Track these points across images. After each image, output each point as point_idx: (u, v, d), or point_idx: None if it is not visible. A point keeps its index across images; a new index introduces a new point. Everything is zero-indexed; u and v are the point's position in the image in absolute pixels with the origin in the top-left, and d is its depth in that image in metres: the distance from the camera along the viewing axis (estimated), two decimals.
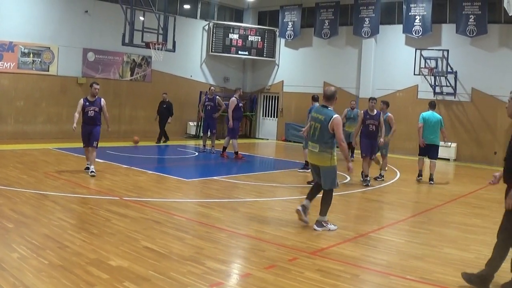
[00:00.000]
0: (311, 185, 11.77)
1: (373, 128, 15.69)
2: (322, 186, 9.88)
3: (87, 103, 14.87)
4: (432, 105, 17.08)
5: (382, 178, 16.60)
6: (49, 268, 6.72)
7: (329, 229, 9.68)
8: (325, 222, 9.79)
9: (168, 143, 25.29)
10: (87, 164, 15.10)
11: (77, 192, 12.15)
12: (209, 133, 21.72)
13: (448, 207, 12.91)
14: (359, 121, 16.08)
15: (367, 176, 15.54)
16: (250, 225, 9.96)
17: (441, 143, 17.34)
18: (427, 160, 16.86)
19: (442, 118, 16.98)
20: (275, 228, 9.83)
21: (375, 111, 15.91)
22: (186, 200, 12.30)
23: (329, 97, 9.82)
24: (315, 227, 9.71)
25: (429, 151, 16.68)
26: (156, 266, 7.07)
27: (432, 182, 16.45)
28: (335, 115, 9.55)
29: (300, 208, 9.96)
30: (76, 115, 14.87)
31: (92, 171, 14.49)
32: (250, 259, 7.80)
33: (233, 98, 20.34)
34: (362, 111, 16.10)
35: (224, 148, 20.36)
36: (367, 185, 15.20)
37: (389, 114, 16.69)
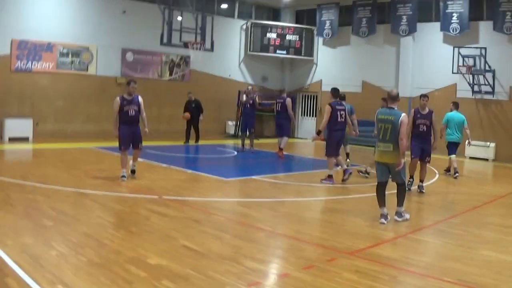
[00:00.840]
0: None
1: (424, 128, 14.09)
2: (396, 181, 10.64)
3: (125, 102, 13.62)
4: (455, 105, 18.12)
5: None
6: (88, 266, 6.75)
7: (406, 219, 10.59)
8: (403, 212, 10.62)
9: (208, 142, 25.23)
10: (124, 172, 13.70)
11: (117, 190, 12.23)
12: (247, 132, 21.69)
13: (486, 208, 12.70)
14: (409, 121, 13.08)
15: (411, 177, 14.30)
16: (288, 225, 9.92)
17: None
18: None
19: (465, 118, 17.80)
20: (314, 228, 9.80)
21: (427, 110, 14.27)
22: (225, 200, 12.30)
23: (394, 98, 10.57)
24: (396, 218, 10.47)
25: (453, 148, 17.79)
26: (195, 265, 7.06)
27: (457, 175, 17.44)
28: (403, 114, 10.33)
29: (383, 220, 10.35)
30: (116, 117, 13.67)
31: (133, 168, 14.11)
32: (288, 259, 7.76)
33: (289, 98, 20.63)
34: (413, 110, 14.62)
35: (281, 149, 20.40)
36: (408, 189, 13.31)
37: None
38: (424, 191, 14.00)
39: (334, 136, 15.09)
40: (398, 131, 10.17)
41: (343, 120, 15.20)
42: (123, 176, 13.53)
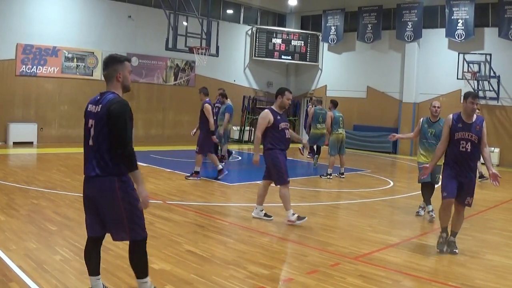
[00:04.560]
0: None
1: (468, 147, 8.53)
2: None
3: (279, 118, 10.37)
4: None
5: (330, 177, 17.05)
6: None
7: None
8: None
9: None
10: (261, 209, 10.93)
11: None
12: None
13: (490, 213, 12.71)
14: (444, 134, 8.83)
15: (444, 229, 8.95)
16: (292, 230, 9.91)
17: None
18: None
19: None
20: (318, 233, 9.78)
21: (475, 117, 8.67)
22: (229, 204, 12.30)
23: None
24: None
25: None
26: (199, 270, 7.07)
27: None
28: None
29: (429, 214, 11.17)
30: (260, 136, 10.43)
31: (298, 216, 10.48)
32: (292, 263, 7.76)
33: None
34: (450, 117, 8.77)
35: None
36: (440, 250, 8.80)
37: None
38: (457, 251, 8.72)
39: (211, 135, 15.42)
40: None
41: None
42: (301, 218, 10.35)
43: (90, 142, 5.57)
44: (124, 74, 5.65)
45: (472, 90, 23.69)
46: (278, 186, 10.55)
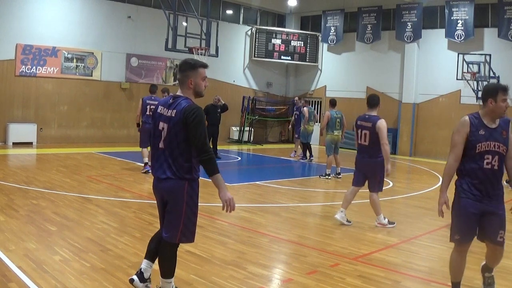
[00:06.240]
0: None
1: (495, 162, 5.94)
2: None
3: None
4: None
5: (330, 177, 16.98)
6: (91, 271, 6.74)
7: None
8: None
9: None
10: (345, 213, 10.71)
11: (120, 195, 12.21)
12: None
13: None
14: (456, 143, 6.05)
15: (456, 285, 6.43)
16: (292, 230, 9.90)
17: None
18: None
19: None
20: (317, 234, 9.77)
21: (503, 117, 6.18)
22: None
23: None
24: None
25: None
26: (198, 270, 7.06)
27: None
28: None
29: None
30: (388, 146, 10.23)
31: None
32: (291, 264, 7.74)
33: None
34: (467, 119, 6.06)
35: None
36: None
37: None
38: None
39: (144, 129, 15.78)
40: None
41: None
42: (391, 222, 10.66)
43: (161, 145, 5.62)
44: (196, 81, 5.73)
45: (471, 91, 23.78)
46: (373, 192, 10.46)
